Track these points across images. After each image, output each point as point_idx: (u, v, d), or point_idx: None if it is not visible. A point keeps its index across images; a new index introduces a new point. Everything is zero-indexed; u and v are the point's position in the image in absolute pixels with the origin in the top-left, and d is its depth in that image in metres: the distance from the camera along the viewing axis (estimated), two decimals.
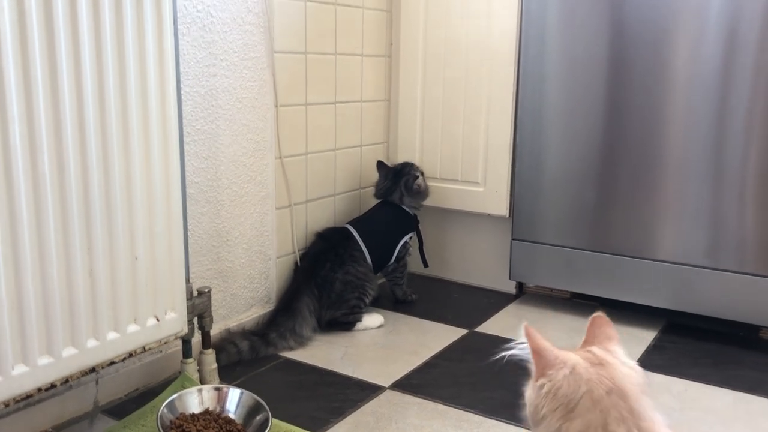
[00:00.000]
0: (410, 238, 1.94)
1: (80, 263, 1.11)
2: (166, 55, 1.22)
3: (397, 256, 1.90)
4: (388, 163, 2.00)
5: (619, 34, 1.71)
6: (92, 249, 1.13)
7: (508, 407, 1.39)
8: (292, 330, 1.66)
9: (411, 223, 1.94)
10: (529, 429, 0.77)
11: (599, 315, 0.87)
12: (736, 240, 1.65)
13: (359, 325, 1.78)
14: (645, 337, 1.76)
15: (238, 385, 1.44)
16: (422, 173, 1.96)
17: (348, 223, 1.88)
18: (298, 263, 1.82)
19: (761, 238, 1.62)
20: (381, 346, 1.69)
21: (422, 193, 1.93)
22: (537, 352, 0.79)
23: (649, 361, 1.62)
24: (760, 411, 1.39)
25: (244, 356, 1.58)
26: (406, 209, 1.92)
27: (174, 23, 1.24)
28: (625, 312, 1.91)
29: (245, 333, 1.62)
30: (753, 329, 1.78)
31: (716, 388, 1.49)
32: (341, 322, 1.77)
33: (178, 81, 1.26)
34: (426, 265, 2.01)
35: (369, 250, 1.82)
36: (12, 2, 0.98)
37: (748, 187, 1.62)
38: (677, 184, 1.70)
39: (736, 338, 1.77)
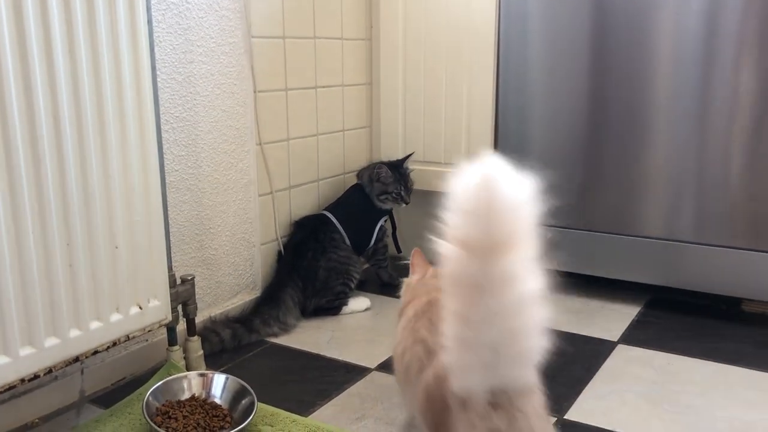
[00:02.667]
0: (385, 221, 1.94)
1: (59, 254, 1.11)
2: (139, 42, 1.21)
3: (376, 237, 1.90)
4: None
5: (602, 12, 1.71)
6: (71, 239, 1.13)
7: None
8: (276, 318, 1.67)
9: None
10: None
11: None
12: (721, 214, 1.66)
13: (345, 309, 1.79)
14: (629, 312, 1.78)
15: (224, 371, 1.45)
16: (406, 169, 1.95)
17: (324, 209, 1.88)
18: (282, 251, 1.83)
19: (745, 211, 1.64)
20: (368, 329, 1.70)
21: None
22: (412, 265, 1.21)
23: (633, 336, 1.63)
24: (740, 381, 1.41)
25: (227, 345, 1.58)
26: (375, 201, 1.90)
27: (147, 10, 1.23)
28: (609, 288, 1.93)
29: (228, 321, 1.62)
30: (735, 302, 1.80)
31: (697, 360, 1.51)
32: (327, 307, 1.78)
33: (154, 68, 1.26)
34: (399, 251, 2.02)
35: (348, 232, 1.82)
36: None
37: (733, 163, 1.63)
38: (662, 160, 1.71)
39: (719, 311, 1.79)
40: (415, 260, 1.18)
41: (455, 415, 0.78)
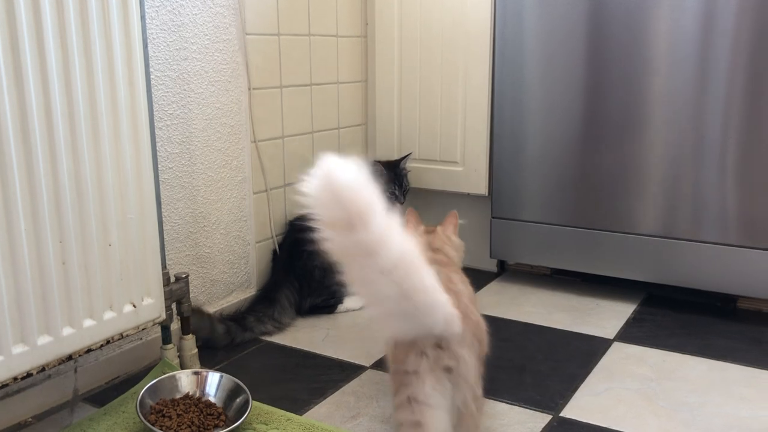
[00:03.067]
0: None
1: (52, 252, 1.10)
2: (132, 39, 1.20)
3: None
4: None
5: (598, 8, 1.71)
6: (64, 237, 1.12)
7: (488, 381, 1.39)
8: (271, 316, 1.66)
9: None
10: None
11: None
12: (716, 212, 1.66)
13: (341, 307, 1.79)
14: (625, 310, 1.78)
15: (219, 370, 1.44)
16: (403, 169, 1.95)
17: None
18: (277, 250, 1.82)
19: (741, 209, 1.64)
20: (363, 327, 1.70)
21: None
22: (406, 222, 1.31)
23: (628, 333, 1.63)
24: (734, 378, 1.41)
25: (219, 339, 1.57)
26: None
27: (141, 6, 1.22)
28: (605, 286, 1.93)
29: (222, 318, 1.62)
30: (731, 299, 1.80)
31: (692, 357, 1.51)
32: (323, 306, 1.77)
33: (147, 65, 1.25)
34: None
35: None
36: None
37: (728, 159, 1.63)
38: (657, 157, 1.71)
39: (714, 309, 1.79)
40: (408, 218, 1.31)
41: (404, 347, 0.94)
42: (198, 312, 1.55)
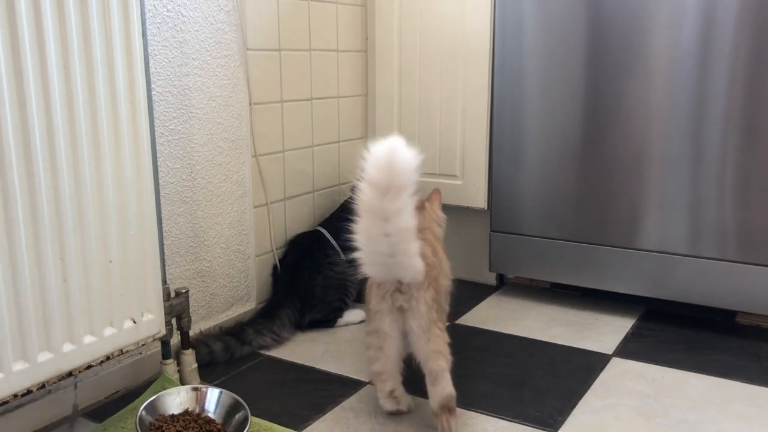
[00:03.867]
0: None
1: (53, 269, 1.10)
2: (134, 56, 1.21)
3: None
4: None
5: (597, 23, 1.72)
6: (64, 253, 1.12)
7: (487, 398, 1.41)
8: (270, 329, 1.67)
9: None
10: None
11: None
12: (716, 227, 1.67)
13: (340, 321, 1.79)
14: (623, 325, 1.78)
15: (218, 385, 1.45)
16: None
17: (318, 225, 1.88)
18: (277, 265, 1.82)
19: (740, 224, 1.64)
20: (362, 341, 1.70)
21: None
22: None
23: (627, 348, 1.64)
24: (734, 395, 1.41)
25: (218, 357, 1.57)
26: None
27: (142, 24, 1.23)
28: (604, 301, 1.93)
29: (220, 334, 1.62)
30: (730, 314, 1.80)
31: (691, 373, 1.51)
32: (322, 320, 1.78)
33: (149, 82, 1.26)
34: None
35: (342, 245, 1.82)
36: None
37: (727, 175, 1.64)
38: (656, 172, 1.71)
39: (713, 324, 1.79)
40: (432, 195, 1.57)
41: (374, 291, 1.27)
42: (202, 343, 1.57)
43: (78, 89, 1.12)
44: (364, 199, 1.15)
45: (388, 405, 1.32)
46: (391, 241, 1.15)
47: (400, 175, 1.12)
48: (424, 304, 1.24)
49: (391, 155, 1.11)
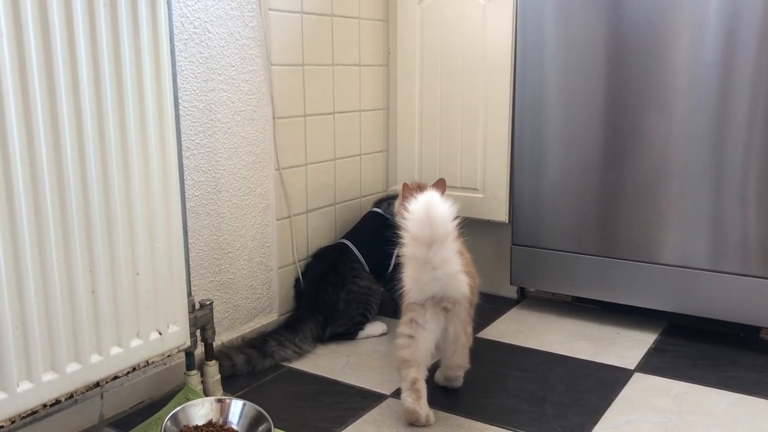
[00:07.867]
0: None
1: (82, 281, 1.13)
2: (163, 73, 1.24)
3: (394, 262, 1.91)
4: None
5: (618, 38, 1.73)
6: (94, 267, 1.15)
7: (508, 413, 1.40)
8: (292, 341, 1.68)
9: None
10: None
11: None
12: (738, 242, 1.66)
13: (361, 334, 1.80)
14: (646, 340, 1.77)
15: (241, 396, 1.46)
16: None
17: (342, 237, 1.89)
18: (300, 279, 1.84)
19: (763, 239, 1.63)
20: (383, 354, 1.71)
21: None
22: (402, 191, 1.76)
23: (650, 364, 1.63)
24: (759, 413, 1.40)
25: (240, 369, 1.59)
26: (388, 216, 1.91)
27: (171, 41, 1.26)
28: (626, 315, 1.92)
29: (242, 346, 1.63)
30: (753, 330, 1.78)
31: (715, 390, 1.50)
32: (344, 333, 1.78)
33: (176, 97, 1.28)
34: None
35: (367, 259, 1.83)
36: (9, 25, 1.00)
37: (750, 189, 1.63)
38: (678, 186, 1.71)
39: (737, 339, 1.77)
40: (404, 191, 1.73)
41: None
42: (224, 355, 1.58)
43: (108, 105, 1.14)
44: (409, 250, 1.29)
45: (409, 400, 1.34)
46: (442, 284, 1.30)
47: (440, 228, 1.24)
48: (464, 310, 1.37)
49: (429, 211, 1.23)
